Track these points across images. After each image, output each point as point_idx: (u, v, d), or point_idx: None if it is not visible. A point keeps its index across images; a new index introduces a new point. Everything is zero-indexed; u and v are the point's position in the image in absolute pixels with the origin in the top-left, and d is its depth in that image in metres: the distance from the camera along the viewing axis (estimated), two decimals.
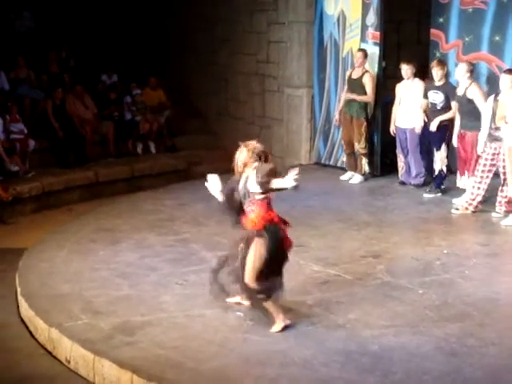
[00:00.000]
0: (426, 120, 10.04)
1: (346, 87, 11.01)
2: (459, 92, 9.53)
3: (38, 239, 8.93)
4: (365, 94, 10.71)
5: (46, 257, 8.07)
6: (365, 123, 10.78)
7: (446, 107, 9.81)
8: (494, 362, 5.61)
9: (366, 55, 10.78)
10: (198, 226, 9.02)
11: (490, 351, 5.75)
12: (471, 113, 9.39)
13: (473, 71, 9.64)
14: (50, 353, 6.39)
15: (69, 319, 6.44)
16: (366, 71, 10.75)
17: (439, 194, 10.07)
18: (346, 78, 11.02)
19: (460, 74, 9.56)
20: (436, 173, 10.08)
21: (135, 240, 8.54)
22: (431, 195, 10.09)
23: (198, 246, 8.26)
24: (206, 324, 6.28)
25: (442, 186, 10.13)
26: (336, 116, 11.25)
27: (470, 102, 9.40)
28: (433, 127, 9.84)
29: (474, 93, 9.38)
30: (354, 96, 10.72)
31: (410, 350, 5.77)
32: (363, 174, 10.95)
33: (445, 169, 10.02)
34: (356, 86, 10.76)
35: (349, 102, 10.86)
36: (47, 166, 12.22)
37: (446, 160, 9.99)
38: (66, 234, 8.85)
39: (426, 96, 10.03)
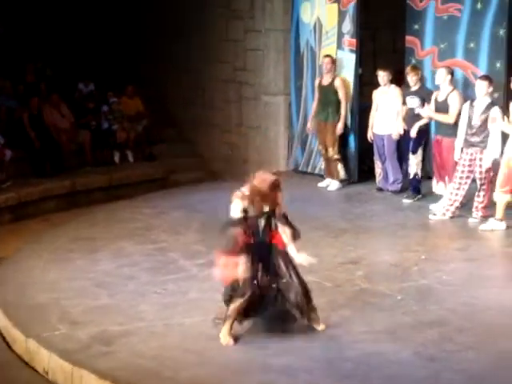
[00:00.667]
0: (406, 127, 10.09)
1: (316, 96, 11.04)
2: (440, 97, 9.57)
3: (14, 249, 8.87)
4: (338, 99, 10.75)
5: (22, 267, 8.01)
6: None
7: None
8: (472, 366, 5.63)
9: (333, 61, 10.84)
10: (176, 235, 9.00)
11: (468, 356, 5.78)
12: None
13: (453, 75, 9.71)
14: (27, 364, 6.34)
15: (46, 329, 6.39)
16: (336, 76, 10.81)
17: (419, 196, 10.10)
18: (316, 86, 11.06)
19: (440, 78, 9.61)
20: (411, 176, 10.13)
21: (113, 249, 8.50)
22: (409, 200, 10.13)
23: (176, 255, 8.24)
24: (184, 333, 6.26)
25: (420, 192, 10.17)
26: (308, 124, 11.27)
27: (447, 108, 9.46)
28: (412, 133, 9.89)
29: (454, 100, 9.44)
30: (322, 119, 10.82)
31: (388, 355, 5.79)
32: (340, 180, 10.98)
33: (420, 172, 10.08)
34: (328, 92, 10.79)
35: (322, 108, 10.90)
36: (24, 176, 12.12)
37: (421, 164, 10.05)
38: (43, 244, 8.79)
39: (405, 102, 10.09)
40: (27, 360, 6.35)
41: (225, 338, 5.97)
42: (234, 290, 5.95)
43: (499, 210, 8.84)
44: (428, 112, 9.61)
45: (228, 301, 5.99)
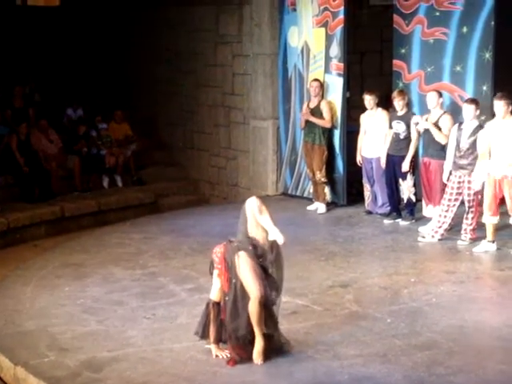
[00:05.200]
0: (391, 153, 10.12)
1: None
2: (431, 119, 9.61)
3: (2, 276, 8.82)
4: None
5: (10, 293, 7.97)
6: (326, 151, 10.87)
7: (409, 136, 9.94)
8: None
9: (321, 85, 10.90)
10: (165, 260, 8.98)
11: (458, 379, 5.76)
12: (437, 141, 9.49)
13: (441, 98, 9.76)
14: None
15: (35, 357, 6.35)
16: (322, 99, 10.87)
17: (413, 221, 10.14)
18: (304, 109, 11.11)
19: (433, 103, 9.63)
20: (405, 202, 10.17)
21: (102, 274, 8.47)
22: (406, 223, 10.15)
23: (165, 280, 8.22)
24: (174, 358, 6.23)
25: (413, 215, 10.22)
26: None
27: (440, 130, 9.50)
28: (405, 167, 9.91)
29: (445, 123, 9.48)
30: (312, 118, 10.81)
31: (378, 379, 5.77)
32: (326, 203, 10.99)
33: (413, 197, 10.11)
34: (315, 114, 10.86)
35: (309, 130, 10.95)
36: (12, 201, 12.10)
37: (413, 188, 10.07)
38: (32, 270, 8.74)
39: (391, 126, 10.14)
40: None
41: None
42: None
43: (489, 232, 8.87)
44: (427, 125, 9.56)
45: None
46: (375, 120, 10.44)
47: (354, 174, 10.95)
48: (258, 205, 6.00)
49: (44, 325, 7.03)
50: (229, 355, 6.08)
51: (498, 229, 9.02)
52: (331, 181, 11.10)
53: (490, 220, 8.81)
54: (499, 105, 8.66)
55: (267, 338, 6.10)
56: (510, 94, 8.77)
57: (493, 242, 8.88)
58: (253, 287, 5.89)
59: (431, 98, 9.67)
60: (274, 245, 6.04)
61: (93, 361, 6.22)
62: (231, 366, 6.00)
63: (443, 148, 9.39)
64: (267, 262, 6.05)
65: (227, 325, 6.05)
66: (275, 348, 6.16)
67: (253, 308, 5.90)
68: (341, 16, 10.88)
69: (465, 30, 10.34)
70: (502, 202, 8.86)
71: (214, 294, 6.12)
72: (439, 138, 9.44)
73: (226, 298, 6.03)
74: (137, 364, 6.14)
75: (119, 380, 5.87)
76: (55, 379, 5.94)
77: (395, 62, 11.16)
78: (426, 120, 9.61)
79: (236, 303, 5.99)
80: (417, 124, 9.73)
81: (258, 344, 6.02)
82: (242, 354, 6.06)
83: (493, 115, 8.96)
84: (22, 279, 8.41)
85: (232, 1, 12.76)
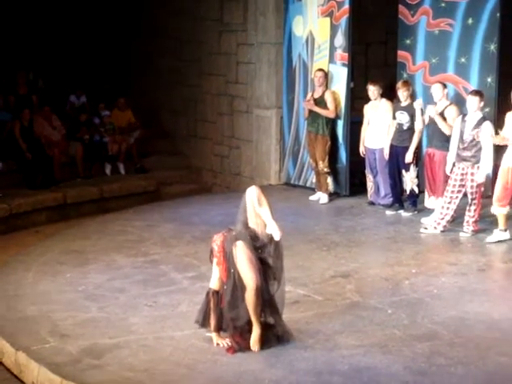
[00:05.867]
0: (395, 144, 10.10)
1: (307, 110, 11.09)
2: (436, 110, 9.58)
3: (4, 261, 8.83)
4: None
5: (12, 279, 7.98)
6: (329, 142, 10.86)
7: (412, 127, 9.93)
8: (462, 381, 5.63)
9: (326, 75, 10.89)
10: (167, 247, 8.98)
11: (458, 371, 5.77)
12: (442, 132, 9.48)
13: (446, 88, 9.74)
14: (16, 377, 6.31)
15: (36, 342, 6.36)
16: (327, 89, 10.86)
17: (416, 212, 10.12)
18: (307, 99, 11.08)
19: (438, 94, 9.60)
20: (407, 193, 10.15)
21: (104, 262, 8.48)
22: (408, 214, 10.14)
23: (167, 268, 8.22)
24: (175, 346, 6.23)
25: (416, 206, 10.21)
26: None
27: (445, 120, 9.47)
28: (408, 159, 9.90)
29: (451, 113, 9.45)
30: (316, 108, 10.80)
31: (379, 369, 5.78)
32: (329, 194, 10.99)
33: (416, 188, 10.09)
34: (319, 104, 10.84)
35: (313, 120, 10.93)
36: (15, 188, 12.10)
37: (416, 180, 10.06)
38: (33, 256, 8.75)
39: (394, 117, 10.11)
40: (16, 373, 6.31)
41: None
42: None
43: (501, 221, 8.88)
44: (433, 112, 9.50)
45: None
46: (379, 111, 10.42)
47: (357, 164, 10.93)
48: (257, 195, 5.99)
49: (45, 311, 7.04)
50: (229, 343, 6.09)
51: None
52: (334, 171, 11.09)
53: (500, 211, 8.81)
54: None
55: (267, 326, 6.11)
56: None
57: (505, 230, 8.88)
58: (249, 278, 5.90)
59: (436, 90, 9.64)
60: (272, 236, 6.03)
61: (94, 347, 6.23)
62: (231, 354, 6.01)
63: (448, 139, 9.36)
64: (266, 253, 6.04)
65: (225, 314, 6.06)
66: (275, 337, 6.16)
67: (249, 298, 5.92)
68: (346, 6, 10.84)
69: (470, 21, 10.32)
70: None
71: (214, 283, 6.13)
72: (444, 128, 9.41)
73: (225, 287, 6.04)
74: (138, 351, 6.15)
75: (120, 367, 5.88)
76: (56, 365, 5.95)
77: (400, 52, 11.13)
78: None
79: (234, 293, 6.00)
80: (420, 106, 9.70)
81: (255, 332, 6.04)
82: (241, 342, 6.07)
83: (499, 107, 8.95)
84: (23, 265, 8.42)
85: None
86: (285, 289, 6.23)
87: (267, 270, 6.07)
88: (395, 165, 10.13)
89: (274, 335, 6.17)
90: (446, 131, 9.38)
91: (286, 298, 6.81)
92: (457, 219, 9.34)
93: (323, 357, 6.00)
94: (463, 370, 5.78)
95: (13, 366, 6.36)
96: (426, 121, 9.72)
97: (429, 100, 10.01)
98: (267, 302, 6.07)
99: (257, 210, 5.97)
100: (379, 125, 10.39)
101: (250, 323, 6.03)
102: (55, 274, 8.10)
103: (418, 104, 9.80)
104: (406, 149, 9.93)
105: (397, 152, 10.06)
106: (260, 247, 6.02)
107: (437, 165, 9.59)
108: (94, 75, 14.85)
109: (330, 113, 10.83)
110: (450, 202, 9.17)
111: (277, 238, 5.99)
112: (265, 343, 6.07)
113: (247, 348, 6.04)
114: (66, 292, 7.55)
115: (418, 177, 10.06)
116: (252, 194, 6.01)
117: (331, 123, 10.92)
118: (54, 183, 12.52)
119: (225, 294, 6.04)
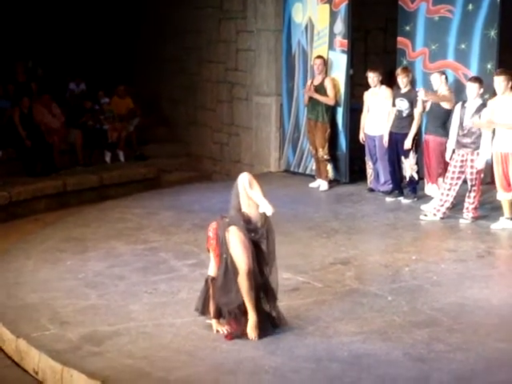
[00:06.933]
0: (394, 130, 10.09)
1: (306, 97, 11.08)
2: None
3: (4, 249, 8.84)
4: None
5: (12, 267, 7.99)
6: (329, 129, 10.85)
7: (412, 114, 9.93)
8: (461, 367, 5.64)
9: (325, 62, 10.87)
10: (166, 235, 8.99)
11: (457, 357, 5.79)
12: (438, 118, 9.52)
13: (446, 78, 9.74)
14: (17, 364, 6.33)
15: (36, 330, 6.37)
16: (326, 76, 10.84)
17: (415, 199, 10.12)
18: (307, 86, 11.06)
19: (437, 83, 9.64)
20: (407, 179, 10.15)
21: (103, 249, 8.49)
22: (408, 201, 10.14)
23: (166, 255, 8.23)
24: (175, 333, 6.25)
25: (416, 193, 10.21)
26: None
27: (440, 107, 9.49)
28: (407, 145, 9.90)
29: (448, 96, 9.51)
30: (316, 95, 10.78)
31: (378, 356, 5.79)
32: (329, 181, 10.99)
33: (415, 175, 10.09)
34: (319, 91, 10.83)
35: (312, 107, 10.92)
36: (14, 175, 12.11)
37: (415, 166, 10.05)
38: (33, 244, 8.76)
39: (394, 104, 10.11)
40: (17, 360, 6.33)
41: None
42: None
43: (506, 209, 8.88)
44: (425, 95, 9.48)
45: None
46: (378, 97, 10.40)
47: (357, 151, 10.92)
48: (249, 180, 6.04)
49: (46, 298, 7.05)
50: (228, 330, 6.11)
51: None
52: (334, 158, 11.09)
53: (504, 196, 8.81)
54: (499, 80, 8.65)
55: (263, 313, 6.11)
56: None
57: (511, 219, 8.88)
58: (241, 260, 5.92)
59: (435, 79, 9.69)
60: (265, 219, 6.05)
61: (94, 334, 6.24)
62: (229, 340, 6.03)
63: (442, 125, 9.40)
64: (259, 236, 6.06)
65: (217, 299, 6.07)
66: (271, 324, 6.17)
67: (242, 281, 5.93)
68: None
69: (470, 7, 10.28)
70: None
71: (212, 270, 6.14)
72: (445, 104, 9.41)
73: (218, 272, 6.06)
74: (137, 338, 6.16)
75: (120, 354, 5.89)
76: (56, 352, 5.97)
77: (399, 39, 11.10)
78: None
79: (226, 277, 6.02)
80: (422, 96, 9.72)
81: (251, 319, 6.04)
82: (236, 328, 6.08)
83: (494, 93, 8.94)
84: (23, 253, 8.43)
85: None
86: (277, 275, 6.21)
87: (260, 253, 6.08)
88: (395, 151, 10.13)
89: (270, 322, 6.18)
90: (447, 105, 9.36)
91: (285, 285, 6.85)
92: (456, 206, 9.34)
93: (323, 344, 6.01)
94: (462, 355, 5.80)
95: (13, 353, 6.38)
96: (426, 103, 9.73)
97: (428, 87, 9.97)
98: (262, 287, 6.08)
99: (248, 192, 6.02)
100: (379, 112, 10.38)
101: (243, 307, 6.03)
102: (55, 261, 8.11)
103: (421, 94, 9.76)
104: (406, 136, 9.93)
105: (396, 139, 10.06)
106: (253, 230, 6.04)
107: (431, 150, 9.61)
108: (94, 63, 14.81)
109: (329, 100, 10.83)
110: (449, 189, 9.17)
111: (269, 213, 5.99)
112: (262, 331, 6.07)
113: (244, 333, 6.05)
114: (66, 279, 7.56)
115: (417, 163, 10.06)
116: (244, 179, 6.08)
117: (331, 110, 10.92)
118: (53, 171, 12.53)
119: (216, 280, 6.06)
